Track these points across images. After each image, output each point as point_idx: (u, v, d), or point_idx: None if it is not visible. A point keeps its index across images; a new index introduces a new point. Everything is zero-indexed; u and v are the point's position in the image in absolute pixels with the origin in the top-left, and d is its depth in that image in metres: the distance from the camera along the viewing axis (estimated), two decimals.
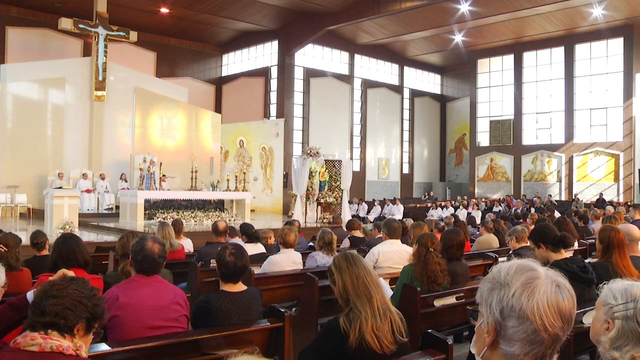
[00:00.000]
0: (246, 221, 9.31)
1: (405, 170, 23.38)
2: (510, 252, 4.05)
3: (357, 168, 21.00)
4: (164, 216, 10.10)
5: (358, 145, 21.45)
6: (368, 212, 15.60)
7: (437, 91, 24.71)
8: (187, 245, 5.20)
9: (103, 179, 12.57)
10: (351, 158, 19.95)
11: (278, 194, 16.69)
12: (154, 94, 13.88)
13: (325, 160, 12.58)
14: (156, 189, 10.37)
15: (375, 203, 15.78)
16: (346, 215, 11.84)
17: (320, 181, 12.12)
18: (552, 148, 19.48)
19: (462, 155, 23.82)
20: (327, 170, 12.33)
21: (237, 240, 4.63)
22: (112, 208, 12.14)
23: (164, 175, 10.93)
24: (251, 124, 17.03)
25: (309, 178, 11.85)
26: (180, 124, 14.48)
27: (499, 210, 14.26)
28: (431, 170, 24.23)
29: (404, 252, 3.87)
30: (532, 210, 12.69)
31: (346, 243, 5.70)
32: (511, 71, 20.74)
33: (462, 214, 12.74)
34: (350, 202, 15.84)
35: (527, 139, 20.36)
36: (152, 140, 13.95)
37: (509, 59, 20.79)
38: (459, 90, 23.99)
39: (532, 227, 3.37)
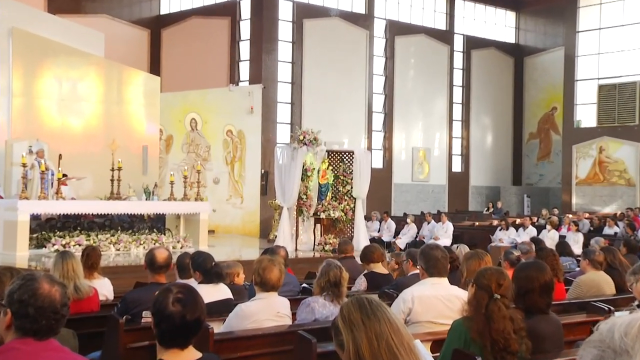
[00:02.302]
0: (201, 249, 9.29)
1: (457, 167, 23.49)
2: (637, 302, 4.04)
3: (378, 164, 21.07)
4: (64, 242, 10.06)
5: (380, 127, 21.56)
6: (396, 234, 15.64)
7: (510, 39, 24.80)
8: (104, 288, 5.20)
9: None
10: (369, 148, 20.04)
11: (252, 204, 16.74)
12: (46, 42, 13.66)
13: (328, 152, 12.60)
14: (51, 197, 10.33)
15: (409, 220, 15.83)
16: (361, 238, 11.82)
17: (320, 185, 12.15)
18: None
19: (550, 142, 23.90)
20: (330, 168, 12.38)
21: (188, 281, 4.63)
22: None
23: (64, 176, 10.84)
24: (209, 94, 17.10)
25: (303, 180, 11.89)
26: (93, 91, 14.45)
27: (615, 233, 14.21)
28: (499, 168, 24.34)
29: (453, 298, 3.88)
30: None
31: (361, 283, 5.74)
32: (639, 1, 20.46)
33: (550, 238, 12.72)
34: (368, 219, 15.88)
35: None
36: (43, 117, 13.84)
37: None
38: (546, 37, 24.07)
39: None
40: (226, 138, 16.87)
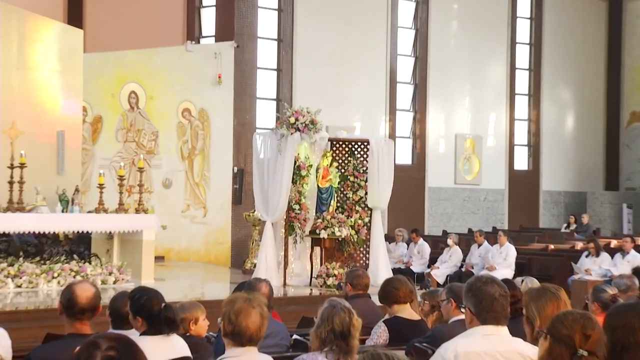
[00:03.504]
0: (145, 284, 9.21)
1: (521, 163, 23.46)
2: None
3: (405, 158, 21.06)
4: None
5: (408, 105, 21.51)
6: (432, 262, 15.60)
7: None
8: None
9: None
10: (392, 136, 20.01)
11: (221, 218, 16.71)
12: None
13: (331, 142, 12.62)
14: None
15: (450, 241, 15.78)
16: (380, 268, 11.87)
17: (320, 189, 12.15)
18: None
19: None
20: (335, 165, 12.38)
21: (128, 332, 4.62)
22: None
23: None
24: (157, 55, 17.07)
25: (295, 182, 11.87)
26: None
27: None
28: (584, 164, 24.32)
29: (516, 356, 3.89)
30: None
31: (380, 334, 5.76)
32: None
33: None
34: (390, 239, 15.78)
35: None
36: None
37: None
38: None
39: None
40: (182, 120, 16.84)
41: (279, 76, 19.27)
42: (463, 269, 14.91)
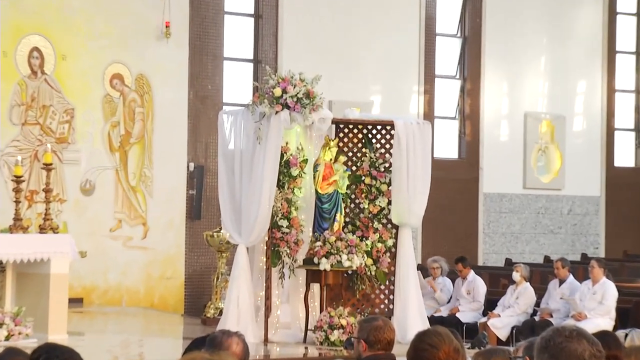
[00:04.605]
0: (54, 340, 9.22)
1: (625, 159, 23.50)
2: None
3: (449, 151, 21.14)
4: None
5: (453, 71, 21.54)
6: (490, 308, 15.62)
7: None
8: None
9: None
10: (428, 116, 20.01)
11: (169, 241, 16.77)
12: None
13: (337, 125, 12.75)
14: None
15: (517, 275, 15.81)
16: (411, 315, 12.00)
17: (320, 196, 12.20)
18: None
19: None
20: (341, 158, 12.42)
21: None
22: None
23: None
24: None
25: (282, 186, 11.93)
26: None
27: None
28: None
29: None
30: None
31: None
32: None
33: None
34: (424, 273, 15.80)
35: None
36: None
37: None
38: None
39: None
40: (110, 92, 16.86)
41: (258, 26, 19.29)
42: (537, 318, 14.91)
